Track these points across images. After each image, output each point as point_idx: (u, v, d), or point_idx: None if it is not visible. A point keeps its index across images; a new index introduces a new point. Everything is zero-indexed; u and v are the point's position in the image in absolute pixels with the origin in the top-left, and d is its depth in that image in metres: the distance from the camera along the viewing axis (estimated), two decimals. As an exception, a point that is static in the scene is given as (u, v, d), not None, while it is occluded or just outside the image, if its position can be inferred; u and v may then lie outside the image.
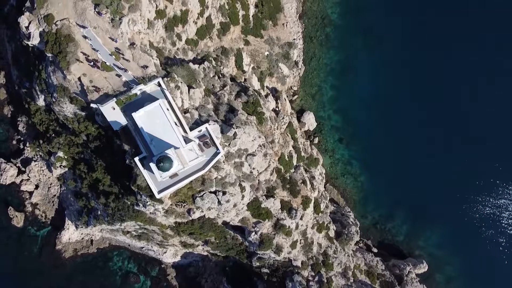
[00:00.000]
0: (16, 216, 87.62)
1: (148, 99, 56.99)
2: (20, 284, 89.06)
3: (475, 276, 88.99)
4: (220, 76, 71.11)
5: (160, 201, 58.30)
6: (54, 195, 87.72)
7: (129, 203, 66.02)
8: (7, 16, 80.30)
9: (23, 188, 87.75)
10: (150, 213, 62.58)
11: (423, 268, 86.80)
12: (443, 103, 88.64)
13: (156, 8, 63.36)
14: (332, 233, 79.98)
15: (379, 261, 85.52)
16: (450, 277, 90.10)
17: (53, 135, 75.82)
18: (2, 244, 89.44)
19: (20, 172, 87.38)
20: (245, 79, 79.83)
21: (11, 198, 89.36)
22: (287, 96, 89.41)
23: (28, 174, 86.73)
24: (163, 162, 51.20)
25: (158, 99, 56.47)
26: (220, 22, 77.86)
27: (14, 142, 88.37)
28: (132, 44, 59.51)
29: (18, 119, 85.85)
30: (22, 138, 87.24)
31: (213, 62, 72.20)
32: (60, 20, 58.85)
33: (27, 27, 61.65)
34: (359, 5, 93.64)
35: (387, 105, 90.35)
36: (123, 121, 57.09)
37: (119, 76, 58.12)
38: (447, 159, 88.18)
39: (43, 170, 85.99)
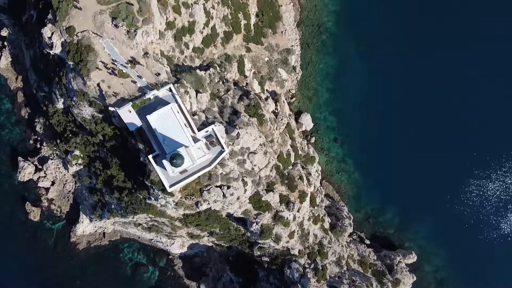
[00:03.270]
0: (33, 211, 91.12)
1: (160, 103, 61.14)
2: (36, 274, 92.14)
3: (462, 266, 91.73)
4: (224, 81, 74.77)
5: (171, 194, 62.87)
6: (69, 191, 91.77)
7: (141, 197, 70.29)
8: (25, 25, 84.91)
9: (40, 184, 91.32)
10: (161, 205, 67.03)
11: (412, 258, 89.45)
12: (428, 105, 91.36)
13: (167, 20, 68.01)
14: (327, 225, 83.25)
15: (371, 251, 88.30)
16: (438, 267, 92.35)
17: (70, 135, 79.96)
18: (19, 237, 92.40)
19: (37, 169, 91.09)
20: (246, 84, 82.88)
21: (28, 194, 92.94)
22: (285, 99, 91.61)
23: (45, 172, 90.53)
24: (176, 159, 56.00)
25: (169, 103, 60.20)
26: (223, 31, 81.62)
27: (31, 141, 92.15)
28: (146, 54, 64.21)
29: (36, 120, 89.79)
30: (39, 138, 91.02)
31: (218, 68, 75.49)
32: (81, 32, 63.26)
33: (49, 38, 66.07)
34: (353, 14, 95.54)
35: (378, 107, 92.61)
36: (138, 122, 61.24)
37: (134, 82, 62.67)
38: (434, 156, 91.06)
39: (59, 168, 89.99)
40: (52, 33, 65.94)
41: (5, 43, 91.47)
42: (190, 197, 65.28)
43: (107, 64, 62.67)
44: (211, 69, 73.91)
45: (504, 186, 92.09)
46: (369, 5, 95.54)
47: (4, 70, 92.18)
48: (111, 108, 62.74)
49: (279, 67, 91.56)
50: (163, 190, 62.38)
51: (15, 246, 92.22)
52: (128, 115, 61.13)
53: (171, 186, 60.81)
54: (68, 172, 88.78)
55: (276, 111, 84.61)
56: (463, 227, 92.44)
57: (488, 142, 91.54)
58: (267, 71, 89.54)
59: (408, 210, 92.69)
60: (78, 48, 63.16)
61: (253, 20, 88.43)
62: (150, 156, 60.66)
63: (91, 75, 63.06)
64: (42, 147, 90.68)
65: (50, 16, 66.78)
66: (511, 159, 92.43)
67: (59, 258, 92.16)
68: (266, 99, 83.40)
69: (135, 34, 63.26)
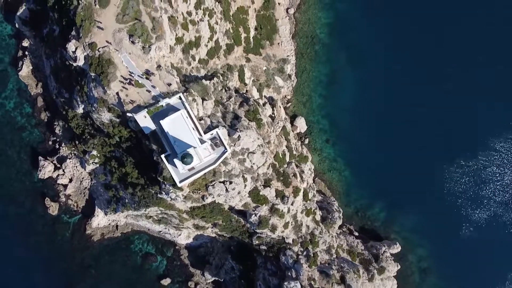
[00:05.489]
0: (52, 205, 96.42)
1: (171, 109, 66.18)
2: (54, 264, 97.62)
3: (444, 256, 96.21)
4: (227, 89, 79.62)
5: (181, 189, 68.48)
6: (85, 187, 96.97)
7: (153, 192, 75.62)
8: (46, 37, 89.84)
9: (58, 181, 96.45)
10: (172, 199, 72.79)
11: (397, 248, 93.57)
12: (411, 110, 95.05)
13: (176, 36, 73.82)
14: (318, 217, 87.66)
15: (359, 242, 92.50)
16: (421, 257, 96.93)
17: (88, 137, 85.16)
18: (39, 229, 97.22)
19: (56, 168, 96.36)
20: (246, 91, 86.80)
21: (47, 190, 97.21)
22: (281, 104, 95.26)
23: (63, 170, 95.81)
24: (186, 157, 61.99)
25: (179, 109, 64.96)
26: (226, 44, 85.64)
27: (50, 142, 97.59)
28: (159, 66, 69.90)
29: (55, 123, 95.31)
30: (57, 140, 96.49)
31: (221, 78, 79.40)
32: (102, 47, 69.19)
33: (74, 52, 71.84)
34: (343, 26, 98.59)
35: (367, 111, 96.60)
36: (152, 126, 66.56)
37: (149, 91, 68.16)
38: (417, 157, 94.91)
39: (76, 166, 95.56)
40: (76, 48, 71.50)
41: (26, 53, 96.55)
42: (197, 191, 70.92)
43: (125, 76, 68.72)
44: (215, 79, 78.07)
45: (479, 181, 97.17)
46: (358, 19, 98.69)
47: (25, 77, 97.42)
48: (128, 114, 68.29)
49: (276, 75, 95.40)
50: (174, 185, 67.51)
51: (35, 238, 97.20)
52: (144, 120, 66.71)
53: (181, 181, 65.65)
54: (85, 170, 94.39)
55: (273, 115, 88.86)
56: (444, 220, 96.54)
57: (464, 140, 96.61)
58: (265, 79, 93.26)
59: (394, 205, 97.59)
60: (100, 61, 68.61)
61: (252, 33, 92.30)
62: (162, 156, 65.70)
63: (111, 85, 68.44)
64: (61, 147, 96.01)
65: (73, 32, 72.19)
66: (485, 155, 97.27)
67: (75, 249, 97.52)
68: (264, 104, 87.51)
69: (150, 49, 68.74)
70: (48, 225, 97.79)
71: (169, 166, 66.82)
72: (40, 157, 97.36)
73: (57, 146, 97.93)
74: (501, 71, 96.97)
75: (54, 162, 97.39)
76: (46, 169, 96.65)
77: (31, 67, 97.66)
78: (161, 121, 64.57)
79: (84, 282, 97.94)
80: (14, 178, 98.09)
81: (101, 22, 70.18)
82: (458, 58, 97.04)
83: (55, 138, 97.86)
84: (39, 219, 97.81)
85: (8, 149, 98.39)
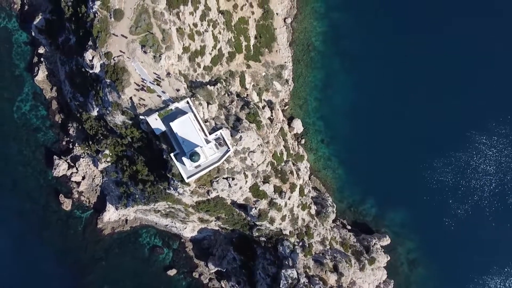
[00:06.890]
0: (65, 201, 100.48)
1: (180, 112, 70.90)
2: (67, 256, 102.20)
3: (431, 248, 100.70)
4: (229, 93, 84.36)
5: (188, 184, 73.25)
6: (97, 184, 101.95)
7: (162, 187, 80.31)
8: (61, 45, 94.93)
9: (72, 179, 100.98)
10: (179, 194, 77.91)
11: (387, 241, 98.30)
12: (400, 111, 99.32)
13: (183, 45, 79.39)
14: (313, 211, 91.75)
15: (351, 235, 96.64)
16: (410, 249, 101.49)
17: (101, 137, 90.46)
18: (53, 224, 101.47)
19: (70, 166, 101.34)
20: (247, 95, 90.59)
21: (61, 187, 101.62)
22: (279, 107, 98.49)
23: (76, 168, 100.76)
24: (194, 155, 67.80)
25: (187, 112, 69.72)
26: (228, 52, 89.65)
27: (64, 143, 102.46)
28: (168, 74, 75.48)
29: (69, 125, 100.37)
30: (71, 140, 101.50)
31: (224, 83, 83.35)
32: (117, 56, 74.75)
33: (90, 60, 77.56)
34: (337, 35, 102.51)
35: (359, 113, 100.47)
36: (162, 128, 70.87)
37: (159, 96, 73.43)
38: (406, 156, 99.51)
39: (89, 165, 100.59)
40: (93, 57, 77.14)
41: (42, 59, 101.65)
42: (203, 187, 75.73)
43: (137, 82, 74.67)
44: (218, 84, 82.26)
45: (464, 177, 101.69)
46: (351, 27, 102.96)
47: (41, 82, 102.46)
48: (141, 117, 73.68)
49: (274, 80, 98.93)
50: (182, 181, 72.08)
51: (49, 232, 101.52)
52: (155, 122, 71.10)
53: (188, 177, 70.40)
54: (97, 168, 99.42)
55: (272, 117, 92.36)
56: (431, 215, 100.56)
57: (450, 139, 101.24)
58: (264, 84, 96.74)
59: (384, 201, 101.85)
60: (115, 69, 73.99)
61: (252, 41, 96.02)
62: (172, 154, 70.63)
63: (125, 91, 73.66)
64: (74, 147, 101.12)
65: (90, 42, 77.88)
66: (469, 152, 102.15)
67: (87, 242, 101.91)
68: (263, 107, 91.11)
69: (160, 58, 73.67)
70: (62, 220, 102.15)
71: (177, 164, 72.39)
72: (54, 156, 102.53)
73: (70, 146, 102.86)
74: (488, 72, 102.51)
75: (68, 161, 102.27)
76: (60, 168, 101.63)
77: (46, 73, 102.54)
78: (170, 123, 69.52)
79: (95, 273, 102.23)
80: (30, 176, 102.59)
81: (116, 35, 76.24)
82: (446, 61, 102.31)
83: (68, 138, 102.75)
84: (53, 215, 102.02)
85: (24, 149, 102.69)
